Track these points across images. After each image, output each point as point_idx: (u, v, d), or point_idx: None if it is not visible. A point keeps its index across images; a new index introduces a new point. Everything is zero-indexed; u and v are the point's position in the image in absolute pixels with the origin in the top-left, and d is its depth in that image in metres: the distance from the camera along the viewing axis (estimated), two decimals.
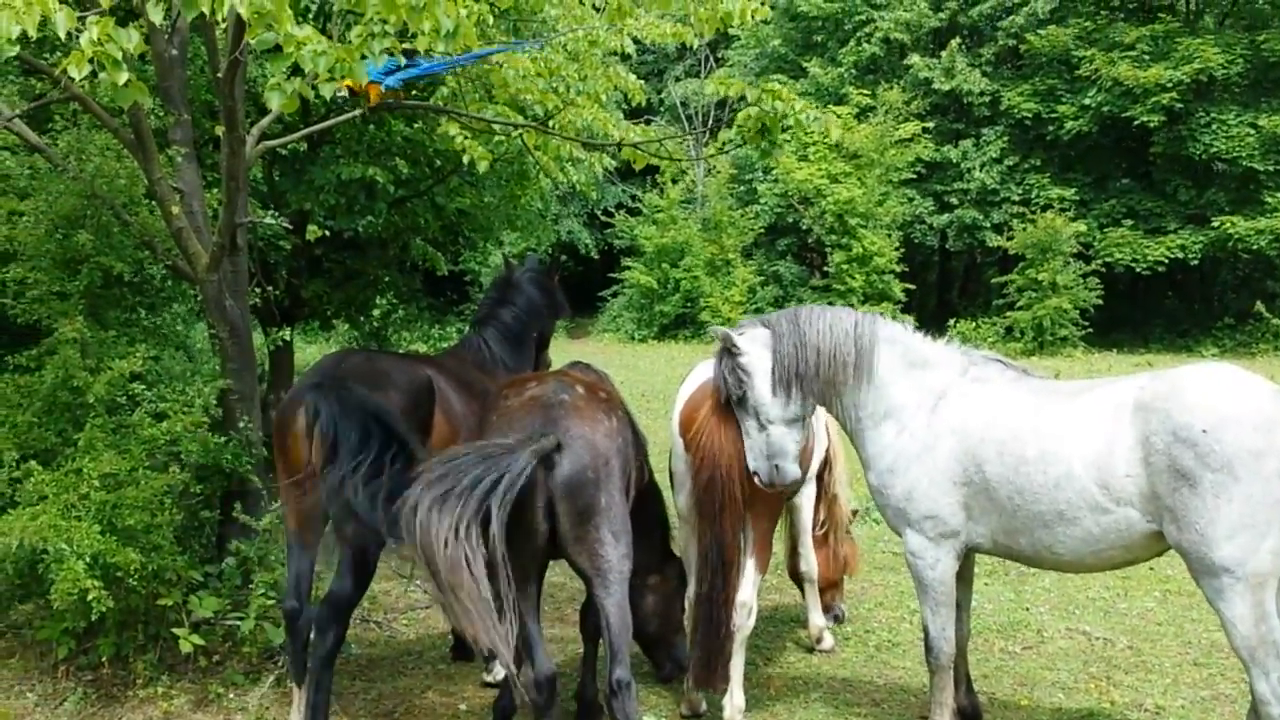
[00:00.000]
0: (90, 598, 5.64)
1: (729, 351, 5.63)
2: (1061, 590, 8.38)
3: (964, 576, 5.71)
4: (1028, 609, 7.97)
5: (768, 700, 6.42)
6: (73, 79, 3.72)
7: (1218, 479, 4.56)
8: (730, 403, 5.68)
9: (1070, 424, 5.00)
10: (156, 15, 3.66)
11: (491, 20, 7.36)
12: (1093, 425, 4.94)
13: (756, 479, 5.61)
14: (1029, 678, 6.71)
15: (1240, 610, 4.62)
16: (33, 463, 6.11)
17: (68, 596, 5.64)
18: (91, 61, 3.76)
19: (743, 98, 7.04)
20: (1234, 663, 6.66)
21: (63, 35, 3.55)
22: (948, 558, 5.40)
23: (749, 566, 5.98)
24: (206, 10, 3.60)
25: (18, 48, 3.60)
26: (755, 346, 5.62)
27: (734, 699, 5.89)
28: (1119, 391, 5.01)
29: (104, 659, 6.40)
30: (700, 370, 6.37)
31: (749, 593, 5.94)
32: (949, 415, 5.37)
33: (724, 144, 8.49)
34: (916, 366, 5.56)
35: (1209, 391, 4.73)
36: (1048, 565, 5.39)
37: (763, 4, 6.60)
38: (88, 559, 5.70)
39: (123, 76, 3.74)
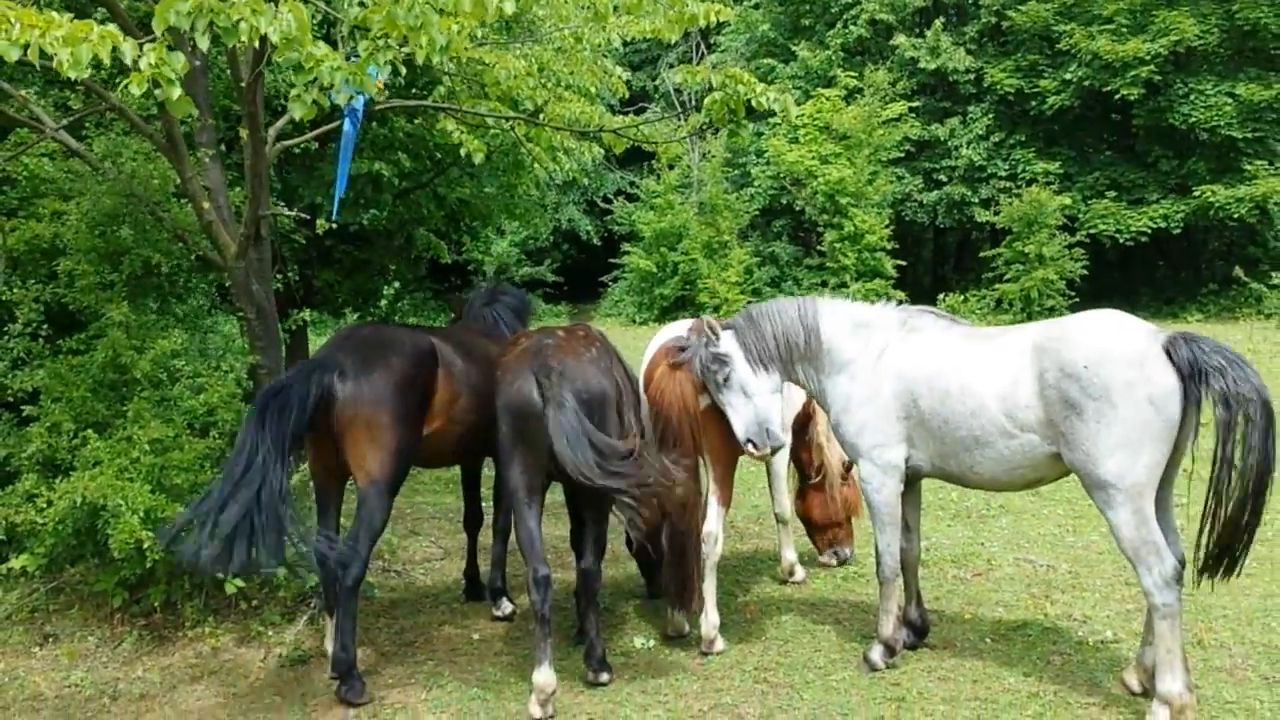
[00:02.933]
0: (145, 547, 6.44)
1: (708, 339, 6.50)
2: (1016, 528, 9.23)
3: (911, 501, 6.58)
4: (982, 544, 8.82)
5: (744, 621, 7.27)
6: (134, 94, 4.50)
7: (1098, 406, 5.39)
8: (716, 390, 6.54)
9: (985, 362, 5.87)
10: (204, 43, 4.42)
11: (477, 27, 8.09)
12: (1001, 363, 5.80)
13: (750, 448, 6.44)
14: (975, 598, 7.55)
15: (1124, 516, 5.44)
16: (89, 431, 6.90)
17: (125, 546, 6.41)
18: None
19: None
20: None
21: (129, 62, 4.32)
22: (892, 482, 6.27)
23: (712, 502, 6.84)
24: (245, 39, 4.39)
25: (89, 71, 4.39)
26: (726, 340, 6.51)
27: (709, 617, 6.74)
28: (1023, 334, 5.87)
29: (155, 605, 7.20)
30: (660, 335, 7.27)
31: (714, 525, 6.80)
32: (891, 362, 6.26)
33: (697, 127, 9.22)
34: (861, 328, 6.45)
35: (1092, 333, 5.57)
36: (973, 484, 6.24)
37: (726, 7, 7.36)
38: (141, 514, 6.48)
39: (176, 92, 4.51)
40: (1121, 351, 5.42)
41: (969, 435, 5.87)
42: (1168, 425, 5.36)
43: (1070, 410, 5.47)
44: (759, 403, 6.42)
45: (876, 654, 6.39)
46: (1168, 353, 5.39)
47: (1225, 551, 5.49)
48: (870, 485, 6.35)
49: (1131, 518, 5.42)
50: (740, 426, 6.43)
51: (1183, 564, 5.49)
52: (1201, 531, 5.48)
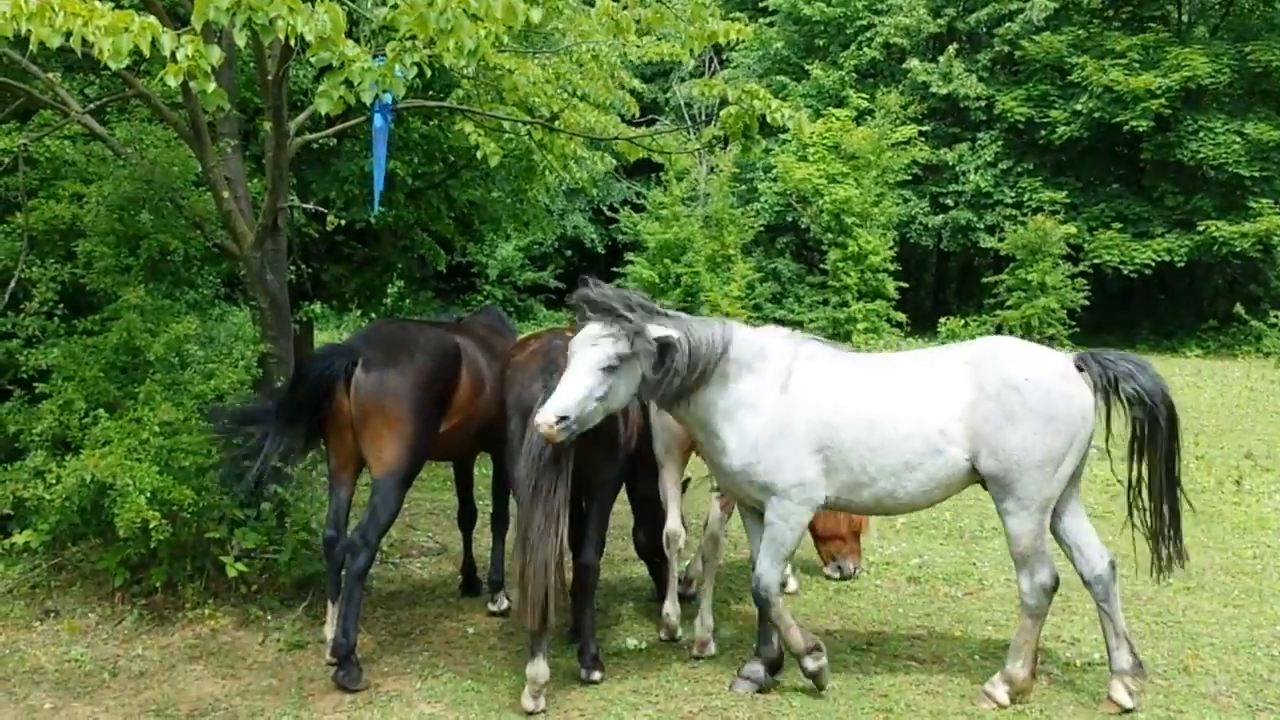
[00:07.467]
0: (151, 526, 6.52)
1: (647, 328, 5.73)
2: (1008, 549, 9.28)
3: None
4: (975, 564, 8.92)
5: (736, 628, 7.37)
6: (170, 85, 4.63)
7: (1035, 417, 5.73)
8: (616, 344, 5.61)
9: (914, 385, 6.02)
10: (241, 39, 4.56)
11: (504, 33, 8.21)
12: (933, 383, 5.98)
13: (548, 418, 5.43)
14: (966, 616, 7.65)
15: (1028, 526, 5.86)
16: (100, 411, 6.99)
17: (132, 525, 6.51)
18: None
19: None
20: (1142, 608, 7.61)
21: (167, 54, 4.44)
22: (807, 517, 6.17)
23: (715, 507, 7.02)
24: (282, 37, 4.51)
25: (128, 61, 4.51)
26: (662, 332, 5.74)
27: (704, 621, 6.85)
28: (951, 356, 6.14)
29: (157, 585, 7.31)
30: None
31: (716, 529, 7.08)
32: (798, 393, 5.96)
33: (710, 140, 9.28)
34: (759, 358, 6.00)
35: (1024, 352, 6.01)
36: (878, 511, 6.47)
37: (745, 26, 7.52)
38: (148, 494, 6.58)
39: (211, 85, 4.66)
40: (1057, 367, 5.88)
41: (899, 460, 5.90)
42: (1087, 438, 5.84)
43: (1006, 420, 5.75)
44: (599, 411, 5.67)
45: (810, 664, 6.16)
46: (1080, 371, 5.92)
47: (1159, 542, 6.05)
48: (785, 524, 6.05)
49: (1035, 527, 5.88)
50: (566, 395, 5.50)
51: (1113, 565, 6.07)
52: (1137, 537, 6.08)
